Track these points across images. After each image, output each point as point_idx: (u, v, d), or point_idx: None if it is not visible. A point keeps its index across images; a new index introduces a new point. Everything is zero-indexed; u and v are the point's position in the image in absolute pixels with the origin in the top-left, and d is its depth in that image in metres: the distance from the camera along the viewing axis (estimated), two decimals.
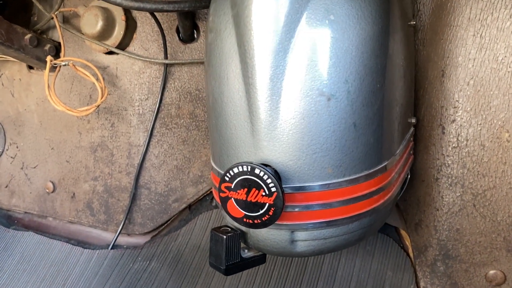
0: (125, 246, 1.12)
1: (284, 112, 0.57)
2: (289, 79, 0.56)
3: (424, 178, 0.84)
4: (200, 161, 1.05)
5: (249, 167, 0.54)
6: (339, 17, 0.56)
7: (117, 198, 1.12)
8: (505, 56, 0.75)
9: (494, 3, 0.75)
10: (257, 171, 0.54)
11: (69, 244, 1.13)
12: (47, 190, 1.21)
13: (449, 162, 0.81)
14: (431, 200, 0.84)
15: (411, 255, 0.90)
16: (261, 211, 0.55)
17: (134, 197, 1.10)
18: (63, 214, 1.20)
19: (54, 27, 1.11)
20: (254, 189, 0.55)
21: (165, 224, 1.12)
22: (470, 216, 0.81)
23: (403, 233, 0.93)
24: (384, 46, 0.59)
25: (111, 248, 1.10)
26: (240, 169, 0.55)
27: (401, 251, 0.91)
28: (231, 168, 0.55)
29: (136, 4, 0.84)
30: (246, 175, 0.55)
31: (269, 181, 0.54)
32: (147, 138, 1.06)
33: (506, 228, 0.78)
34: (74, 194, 1.18)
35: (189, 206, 1.10)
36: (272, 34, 0.56)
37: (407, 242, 0.92)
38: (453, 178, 0.81)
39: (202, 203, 1.09)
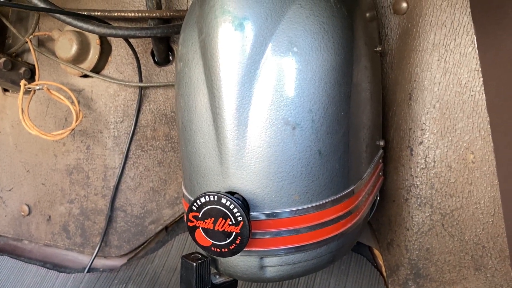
0: (101, 269, 1.11)
1: (251, 141, 0.58)
2: (255, 109, 0.57)
3: (394, 199, 0.86)
4: (176, 182, 1.05)
5: (215, 197, 0.55)
6: (302, 49, 0.57)
7: (93, 220, 1.12)
8: (468, 80, 0.78)
9: (456, 29, 0.78)
10: (223, 200, 0.55)
11: (44, 268, 1.12)
12: (22, 213, 1.20)
13: (418, 183, 0.83)
14: (401, 220, 0.85)
15: (384, 274, 0.91)
16: (228, 240, 0.56)
17: (110, 220, 1.10)
18: (38, 237, 1.18)
19: (29, 50, 1.11)
20: (221, 218, 0.55)
21: (142, 246, 1.11)
22: (439, 235, 0.82)
23: (376, 252, 0.94)
24: (347, 75, 0.61)
25: (87, 271, 1.09)
26: (207, 199, 0.56)
27: (374, 270, 0.92)
28: (198, 198, 0.56)
29: (109, 31, 0.85)
30: (213, 204, 0.55)
31: (235, 210, 0.55)
32: (123, 160, 1.07)
33: (473, 247, 0.80)
34: (50, 217, 1.17)
35: (166, 228, 1.10)
36: (238, 65, 0.57)
37: (380, 261, 0.93)
38: (422, 198, 0.83)
39: (179, 224, 1.09)
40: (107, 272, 1.08)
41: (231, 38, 0.57)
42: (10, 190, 1.21)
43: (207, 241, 0.57)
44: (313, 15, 0.58)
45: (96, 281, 1.06)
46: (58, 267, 1.14)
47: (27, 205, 1.19)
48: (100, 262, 1.13)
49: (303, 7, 0.58)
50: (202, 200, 0.56)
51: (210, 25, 0.58)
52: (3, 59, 1.04)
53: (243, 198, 0.59)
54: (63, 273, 1.09)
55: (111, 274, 1.06)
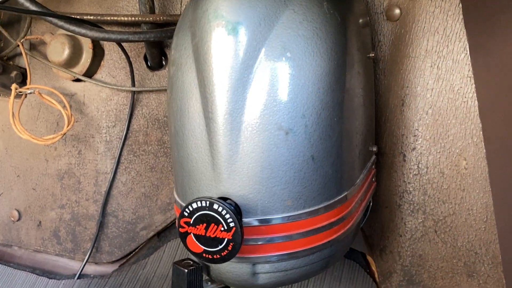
0: (92, 275, 1.10)
1: (244, 146, 0.58)
2: (248, 114, 0.57)
3: (387, 205, 0.86)
4: (168, 188, 1.05)
5: (207, 202, 0.55)
6: (296, 54, 0.57)
7: (84, 226, 1.11)
8: (461, 87, 0.78)
9: (449, 36, 0.78)
10: (215, 206, 0.54)
11: (34, 275, 1.10)
12: (12, 219, 1.18)
13: (411, 189, 0.83)
14: (394, 226, 0.85)
15: (377, 280, 0.91)
16: (220, 246, 0.55)
17: (101, 225, 1.09)
18: (28, 243, 1.17)
19: (21, 54, 1.10)
20: (213, 224, 0.55)
21: (133, 252, 1.10)
22: (432, 242, 0.82)
23: (369, 259, 0.94)
24: (340, 81, 0.61)
25: (78, 278, 1.08)
26: (199, 204, 0.55)
27: (367, 276, 0.92)
28: (190, 204, 0.55)
29: (102, 35, 0.84)
30: (205, 210, 0.55)
31: (227, 216, 0.54)
32: (115, 165, 1.06)
33: (466, 254, 0.80)
34: (40, 222, 1.15)
35: (158, 234, 1.09)
36: (231, 70, 0.57)
37: (374, 268, 0.93)
38: (415, 204, 0.83)
39: (170, 230, 1.09)
40: (98, 278, 1.07)
41: (224, 42, 0.57)
42: (0, 195, 1.20)
43: (199, 248, 0.57)
44: (306, 21, 0.58)
45: (87, 287, 1.04)
46: (48, 273, 1.13)
47: (17, 210, 1.18)
48: (91, 268, 1.11)
49: (297, 12, 0.58)
50: (194, 205, 0.55)
51: (203, 29, 0.58)
52: None
53: (236, 204, 0.58)
54: (53, 280, 1.08)
55: (102, 281, 1.05)
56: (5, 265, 1.14)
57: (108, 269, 1.11)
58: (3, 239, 1.20)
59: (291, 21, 0.57)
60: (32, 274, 1.10)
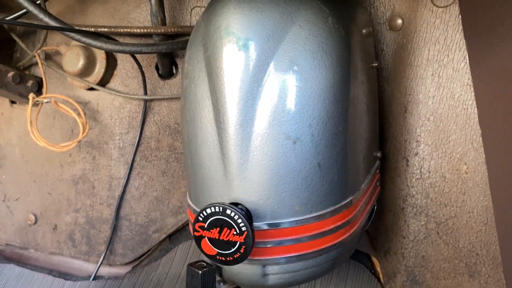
0: (106, 277, 1.14)
1: (254, 154, 0.61)
2: (258, 124, 0.61)
3: (391, 208, 0.89)
4: (179, 192, 1.08)
5: (221, 208, 0.58)
6: (302, 68, 0.60)
7: (99, 229, 1.15)
8: (461, 94, 0.81)
9: (449, 45, 0.81)
10: (228, 211, 0.58)
11: (51, 276, 1.14)
12: (29, 222, 1.23)
13: (414, 193, 0.86)
14: (398, 228, 0.88)
15: (382, 281, 0.94)
16: (233, 249, 0.59)
17: (115, 228, 1.13)
18: (44, 245, 1.21)
19: (37, 63, 1.14)
20: (226, 228, 0.59)
21: (146, 254, 1.14)
22: (434, 243, 0.86)
23: (374, 260, 0.97)
24: (345, 92, 0.64)
25: (93, 279, 1.12)
26: (213, 210, 0.59)
27: (372, 277, 0.95)
28: (204, 209, 0.59)
29: (117, 47, 0.88)
30: (218, 215, 0.59)
31: (239, 221, 0.58)
32: (128, 171, 1.10)
33: (467, 255, 0.83)
34: (56, 226, 1.20)
35: (169, 236, 1.13)
36: (241, 83, 0.60)
37: (378, 269, 0.96)
38: (418, 207, 0.86)
39: (181, 233, 1.12)
40: (112, 279, 1.11)
41: (235, 57, 0.60)
42: (17, 200, 1.24)
43: (213, 250, 0.60)
44: (312, 36, 0.61)
45: None
46: (64, 275, 1.17)
47: (34, 214, 1.22)
48: (105, 270, 1.15)
49: (303, 28, 0.61)
50: (208, 211, 0.59)
51: (216, 45, 0.61)
52: (12, 73, 1.07)
53: (247, 209, 0.62)
54: (69, 281, 1.12)
55: (116, 282, 1.09)
56: (22, 267, 1.19)
57: (121, 270, 1.15)
58: (20, 242, 1.25)
59: (297, 37, 0.61)
60: (49, 275, 1.14)
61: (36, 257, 1.23)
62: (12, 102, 1.23)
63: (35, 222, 1.22)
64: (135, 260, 1.14)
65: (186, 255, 1.09)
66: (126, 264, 1.15)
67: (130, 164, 1.09)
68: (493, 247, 0.81)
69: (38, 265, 1.21)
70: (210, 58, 0.62)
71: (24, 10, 0.96)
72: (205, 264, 0.68)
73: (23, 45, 1.09)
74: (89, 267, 1.17)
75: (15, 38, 1.10)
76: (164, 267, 1.09)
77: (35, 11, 0.85)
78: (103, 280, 1.11)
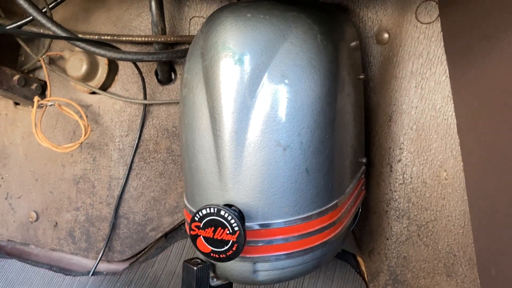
0: (104, 273, 1.18)
1: (247, 160, 0.66)
2: (251, 132, 0.65)
3: (376, 211, 0.95)
4: (176, 192, 1.13)
5: (215, 209, 0.63)
6: (293, 81, 0.65)
7: (98, 227, 1.20)
8: (442, 106, 0.86)
9: (432, 59, 0.87)
10: (222, 212, 0.63)
11: (51, 271, 1.19)
12: (30, 219, 1.27)
13: (397, 197, 0.91)
14: (382, 230, 0.94)
15: (366, 279, 1.00)
16: (226, 247, 0.64)
17: (113, 226, 1.18)
18: (45, 242, 1.26)
19: (41, 67, 1.19)
20: (220, 228, 0.63)
21: (143, 252, 1.19)
22: (415, 245, 0.91)
23: (359, 260, 1.02)
24: (332, 103, 0.70)
25: (92, 275, 1.17)
26: (208, 211, 0.64)
27: (357, 276, 1.01)
28: (200, 210, 0.64)
29: (119, 55, 0.93)
30: (213, 216, 0.63)
31: (232, 221, 0.63)
32: (127, 172, 1.15)
33: (445, 256, 0.89)
34: (56, 223, 1.24)
35: (165, 235, 1.18)
36: (237, 94, 0.65)
37: (363, 268, 1.01)
38: (400, 211, 0.91)
39: (177, 231, 1.17)
40: (110, 275, 1.15)
41: (231, 70, 0.65)
42: (19, 198, 1.29)
43: (207, 248, 0.65)
44: (302, 52, 0.66)
45: (100, 283, 1.13)
46: (63, 270, 1.21)
47: (35, 212, 1.26)
48: (104, 266, 1.20)
49: (294, 44, 0.66)
50: (204, 212, 0.64)
51: (213, 58, 0.66)
52: (17, 76, 1.12)
53: (239, 210, 0.67)
54: (69, 276, 1.17)
55: (114, 277, 1.14)
56: (23, 262, 1.23)
57: (119, 267, 1.20)
58: (22, 238, 1.29)
59: (289, 52, 0.66)
60: (49, 271, 1.19)
61: (36, 253, 1.28)
62: (16, 103, 1.27)
63: (37, 219, 1.27)
64: (132, 257, 1.19)
65: (182, 253, 1.13)
66: (124, 260, 1.20)
67: (129, 165, 1.14)
68: (469, 249, 0.87)
69: (39, 261, 1.26)
70: (208, 70, 0.67)
71: (30, 18, 1.00)
72: (199, 261, 0.73)
73: (28, 50, 1.14)
74: (88, 263, 1.21)
75: (21, 42, 1.15)
76: (160, 264, 1.14)
77: (42, 20, 0.89)
78: (101, 275, 1.16)
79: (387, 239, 0.93)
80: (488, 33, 0.73)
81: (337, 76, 0.71)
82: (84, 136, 1.06)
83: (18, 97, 1.14)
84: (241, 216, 0.66)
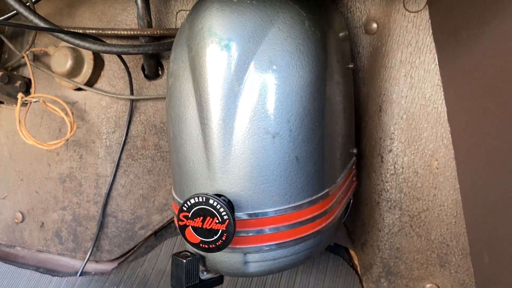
0: (93, 273, 1.16)
1: (236, 148, 0.65)
2: (239, 120, 0.64)
3: (367, 202, 0.94)
4: (164, 189, 1.12)
5: (204, 198, 0.62)
6: (281, 67, 0.65)
7: (85, 226, 1.17)
8: (432, 94, 0.86)
9: (420, 48, 0.86)
10: (211, 201, 0.61)
11: (38, 273, 1.16)
12: (16, 220, 1.24)
13: (388, 188, 0.91)
14: (374, 222, 0.93)
15: (359, 272, 0.98)
16: (215, 237, 0.62)
17: (101, 225, 1.15)
18: (31, 243, 1.23)
19: (25, 64, 1.17)
20: (208, 217, 0.62)
21: (132, 251, 1.17)
22: (408, 235, 0.90)
23: (352, 253, 1.01)
24: (321, 90, 0.69)
25: (80, 275, 1.14)
26: (196, 200, 0.62)
27: (350, 269, 0.99)
28: (188, 199, 0.63)
29: (104, 48, 0.91)
30: (202, 205, 0.62)
31: (221, 210, 0.61)
32: (114, 169, 1.13)
33: (438, 246, 0.88)
34: (43, 223, 1.22)
35: (155, 233, 1.16)
36: (224, 81, 0.64)
37: (356, 262, 1.00)
38: (392, 201, 0.90)
39: (167, 229, 1.15)
40: (98, 275, 1.13)
41: (218, 57, 0.64)
42: (4, 198, 1.26)
43: (196, 238, 0.64)
44: (290, 37, 0.66)
45: (89, 284, 1.11)
46: (51, 271, 1.19)
47: (21, 213, 1.24)
48: (92, 266, 1.18)
49: (281, 30, 0.65)
50: (192, 201, 0.62)
51: (199, 45, 0.65)
52: (0, 74, 1.09)
53: (229, 200, 0.65)
54: (56, 277, 1.14)
55: (102, 277, 1.11)
56: (9, 264, 1.20)
57: (108, 267, 1.17)
58: (7, 240, 1.26)
59: (276, 38, 0.65)
60: (36, 272, 1.16)
61: (23, 254, 1.25)
62: (0, 102, 1.25)
63: (22, 220, 1.24)
64: (121, 256, 1.17)
65: (171, 251, 1.12)
66: (113, 260, 1.17)
67: (116, 162, 1.12)
68: (462, 239, 0.86)
69: (25, 263, 1.23)
70: (194, 57, 0.66)
71: (14, 12, 0.98)
72: (189, 254, 0.71)
73: (11, 46, 1.11)
74: (76, 264, 1.19)
75: (4, 39, 1.13)
76: (149, 263, 1.12)
77: (24, 12, 0.88)
78: (89, 276, 1.14)
79: (380, 230, 0.92)
80: (476, 20, 0.72)
81: (326, 63, 0.70)
82: (70, 133, 1.04)
83: (1, 95, 1.12)
84: (230, 205, 0.65)
